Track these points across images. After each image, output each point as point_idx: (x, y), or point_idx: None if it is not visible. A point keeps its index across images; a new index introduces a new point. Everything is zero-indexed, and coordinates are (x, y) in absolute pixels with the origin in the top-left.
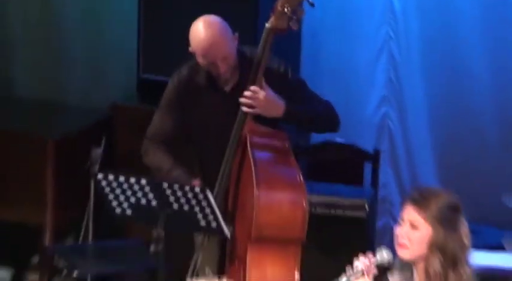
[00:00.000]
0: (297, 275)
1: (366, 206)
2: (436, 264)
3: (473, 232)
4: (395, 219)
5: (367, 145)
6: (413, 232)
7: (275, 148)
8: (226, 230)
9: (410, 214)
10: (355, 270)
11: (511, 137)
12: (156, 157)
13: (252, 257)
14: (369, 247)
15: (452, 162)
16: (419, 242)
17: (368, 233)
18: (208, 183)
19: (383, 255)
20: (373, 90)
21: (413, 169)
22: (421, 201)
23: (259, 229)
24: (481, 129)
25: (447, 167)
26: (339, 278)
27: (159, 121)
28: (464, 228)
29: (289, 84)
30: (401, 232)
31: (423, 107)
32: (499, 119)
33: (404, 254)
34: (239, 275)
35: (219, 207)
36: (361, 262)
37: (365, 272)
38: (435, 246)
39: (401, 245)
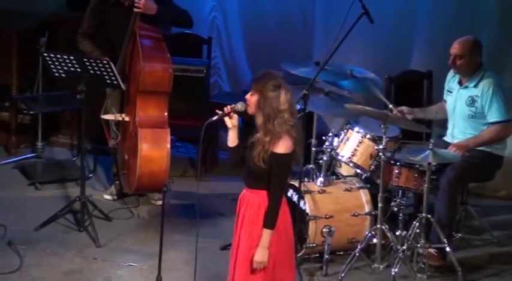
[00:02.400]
0: (165, 114)
1: (204, 70)
2: (260, 119)
3: None
4: (221, 78)
5: (204, 34)
6: (251, 98)
7: (153, 37)
8: (123, 85)
9: (252, 87)
10: (222, 113)
11: (288, 31)
12: (84, 44)
13: (139, 102)
14: (205, 94)
15: (254, 44)
16: (253, 104)
17: (205, 86)
18: (114, 59)
19: (238, 106)
20: (208, 1)
21: (231, 48)
22: (256, 80)
23: (144, 85)
24: (267, 24)
25: (251, 48)
26: (212, 118)
27: (86, 21)
28: (283, 97)
29: None
30: (247, 97)
31: (238, 12)
32: (278, 12)
33: (249, 110)
34: (132, 112)
35: (119, 73)
36: (225, 109)
37: (228, 114)
38: (257, 107)
39: (248, 105)
